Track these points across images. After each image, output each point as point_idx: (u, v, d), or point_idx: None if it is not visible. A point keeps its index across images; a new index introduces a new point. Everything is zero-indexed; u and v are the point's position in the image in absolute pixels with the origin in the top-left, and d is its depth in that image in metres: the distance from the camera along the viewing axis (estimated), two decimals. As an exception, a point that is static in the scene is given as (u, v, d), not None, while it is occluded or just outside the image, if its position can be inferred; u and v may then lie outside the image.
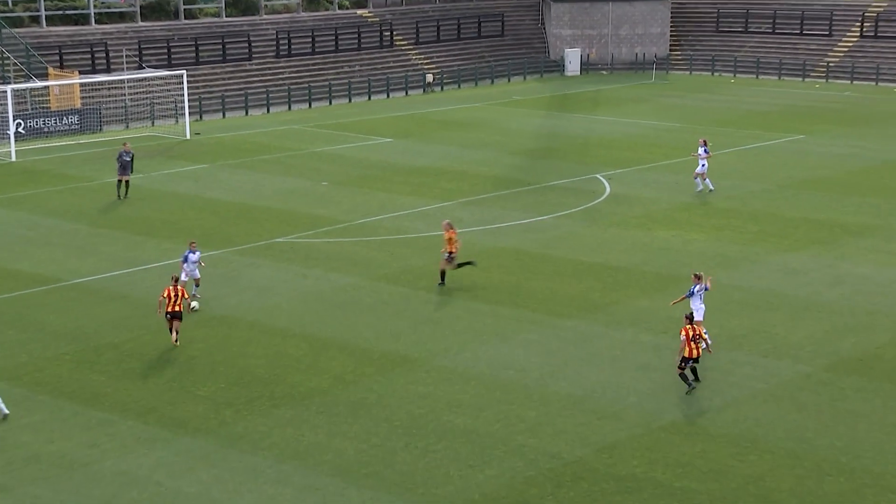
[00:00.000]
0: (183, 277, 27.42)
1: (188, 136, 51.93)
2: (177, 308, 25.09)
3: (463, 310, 28.19)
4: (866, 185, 42.27)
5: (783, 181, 43.16)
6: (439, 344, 25.81)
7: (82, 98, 55.54)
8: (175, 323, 25.13)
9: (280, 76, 65.65)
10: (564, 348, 25.69)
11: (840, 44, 75.18)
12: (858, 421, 21.73)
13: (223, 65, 64.42)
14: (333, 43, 69.44)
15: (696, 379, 23.20)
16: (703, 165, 40.48)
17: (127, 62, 59.70)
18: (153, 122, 56.10)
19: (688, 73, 76.13)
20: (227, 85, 62.95)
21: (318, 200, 39.76)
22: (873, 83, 70.55)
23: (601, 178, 43.61)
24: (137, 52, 60.96)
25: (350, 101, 64.51)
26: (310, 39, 68.60)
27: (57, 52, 58.24)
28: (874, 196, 40.51)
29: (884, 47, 73.76)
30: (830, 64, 72.97)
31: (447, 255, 29.66)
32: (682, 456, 20.32)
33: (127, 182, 39.71)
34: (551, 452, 20.48)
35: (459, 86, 70.38)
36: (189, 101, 53.93)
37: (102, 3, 64.88)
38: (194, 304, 27.47)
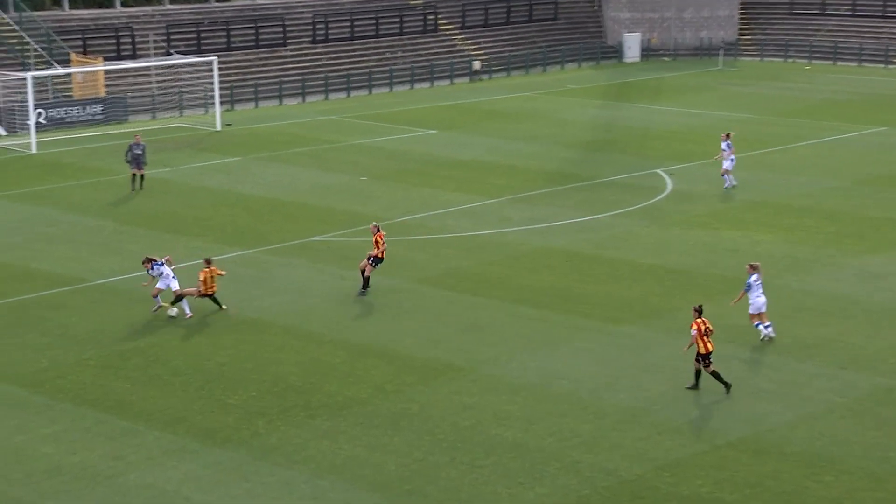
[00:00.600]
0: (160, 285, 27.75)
1: (219, 127, 52.42)
2: (210, 292, 27.49)
3: (511, 315, 28.21)
4: (954, 182, 41.70)
5: (862, 177, 42.68)
6: (486, 352, 25.85)
7: (107, 86, 56.24)
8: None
9: (317, 63, 66.04)
10: (621, 357, 25.62)
11: (925, 27, 74.19)
12: (944, 440, 21.47)
13: (256, 51, 64.95)
14: (374, 28, 69.73)
15: (696, 385, 23.44)
16: (731, 160, 40.50)
17: (154, 48, 60.38)
18: (182, 112, 56.69)
19: (758, 59, 75.50)
20: (261, 72, 63.45)
21: (356, 196, 39.98)
22: (962, 70, 69.55)
23: (662, 174, 43.41)
24: (165, 38, 61.62)
25: (391, 89, 64.75)
26: (349, 24, 68.94)
27: (80, 36, 59.05)
28: (962, 194, 39.94)
29: (974, 31, 72.67)
30: (915, 49, 72.05)
31: (372, 258, 29.35)
32: (751, 476, 20.19)
33: (142, 175, 40.27)
34: (608, 469, 20.45)
35: (509, 73, 70.37)
36: (220, 89, 54.43)
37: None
38: (172, 310, 27.67)
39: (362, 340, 26.49)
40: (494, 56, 71.73)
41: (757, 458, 20.82)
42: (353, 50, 68.28)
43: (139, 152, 40.10)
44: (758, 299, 26.01)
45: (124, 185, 41.07)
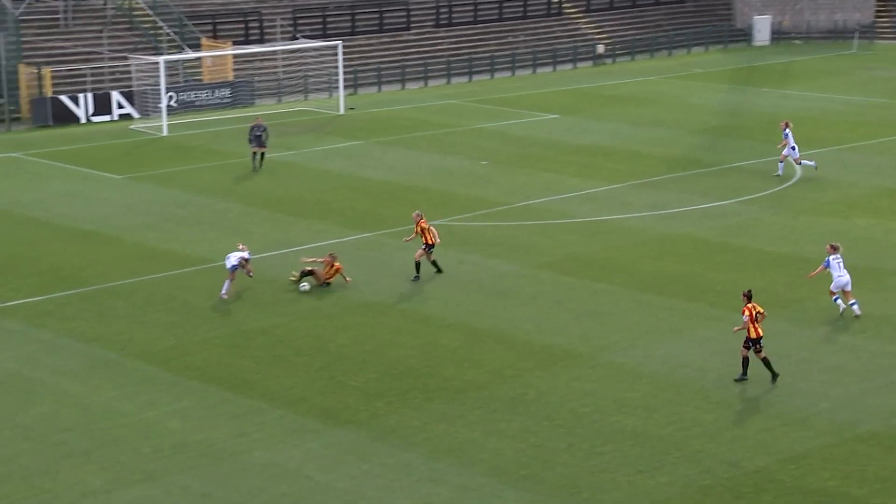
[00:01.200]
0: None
1: (342, 111, 53.05)
2: (328, 279, 28.31)
3: (633, 302, 27.91)
4: None
5: None
6: (606, 338, 25.63)
7: (235, 70, 57.42)
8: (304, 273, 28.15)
9: (439, 47, 66.25)
10: (746, 347, 25.10)
11: None
12: None
13: (379, 35, 65.48)
14: (497, 11, 69.58)
15: (744, 375, 22.97)
16: (793, 149, 39.12)
17: (281, 32, 61.39)
18: (306, 96, 57.53)
19: None
20: (384, 56, 63.95)
21: (477, 181, 40.01)
22: None
23: (792, 160, 42.33)
24: (292, 22, 62.60)
25: (513, 73, 64.57)
26: (472, 8, 68.92)
27: (210, 21, 60.39)
28: None
29: None
30: None
31: (425, 246, 29.21)
32: (882, 470, 19.60)
33: (262, 154, 41.54)
34: (730, 460, 20.09)
35: (633, 57, 69.47)
36: (344, 73, 55.07)
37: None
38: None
39: (481, 325, 26.53)
40: (619, 40, 70.89)
41: (889, 452, 20.21)
42: (476, 34, 68.25)
43: (259, 133, 41.51)
44: (840, 278, 26.30)
45: (250, 167, 41.91)
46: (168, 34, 57.16)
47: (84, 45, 55.78)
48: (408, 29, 66.52)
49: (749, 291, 23.45)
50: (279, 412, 22.13)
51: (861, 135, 46.40)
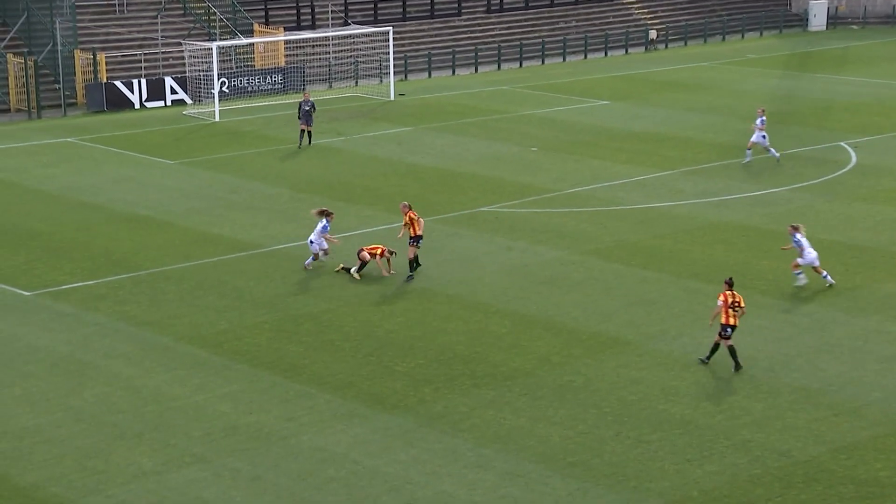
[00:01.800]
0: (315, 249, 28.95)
1: (392, 97, 53.13)
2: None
3: (681, 290, 27.73)
4: None
5: None
6: (654, 326, 25.50)
7: (286, 56, 57.70)
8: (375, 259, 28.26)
9: (490, 33, 66.08)
10: (798, 336, 24.88)
11: None
12: None
13: (430, 21, 65.42)
14: (548, -4, 69.22)
15: (735, 363, 22.97)
16: (764, 137, 38.63)
17: (332, 19, 61.56)
18: (357, 82, 57.67)
19: (953, 26, 71.70)
20: (434, 42, 63.92)
21: (526, 167, 39.92)
22: None
23: (846, 147, 41.81)
24: (343, 8, 62.73)
25: (564, 59, 64.25)
26: (522, -7, 68.63)
27: (262, 7, 60.69)
28: None
29: None
30: None
31: (412, 239, 28.26)
32: (932, 463, 19.36)
33: (309, 133, 42.85)
34: (780, 450, 19.94)
35: (686, 43, 68.82)
36: (394, 59, 55.12)
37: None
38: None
39: (529, 311, 26.51)
40: (671, 25, 70.24)
41: (941, 445, 19.94)
42: (527, 19, 67.99)
43: (308, 108, 42.85)
44: (808, 254, 27.26)
45: (300, 154, 42.15)
46: (221, 20, 57.54)
47: (138, 31, 56.35)
48: (459, 14, 66.40)
49: (730, 279, 23.42)
50: (327, 397, 22.30)
51: (918, 121, 45.70)
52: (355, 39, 59.01)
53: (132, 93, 51.55)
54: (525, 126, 46.66)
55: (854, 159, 39.70)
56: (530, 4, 68.55)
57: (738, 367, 23.06)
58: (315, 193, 36.95)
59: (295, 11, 61.61)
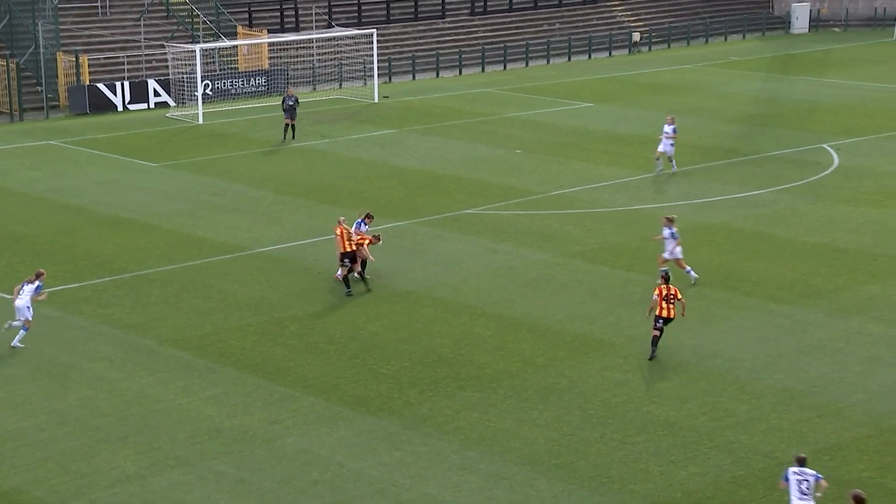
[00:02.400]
0: None
1: (376, 100, 53.12)
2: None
3: (667, 292, 27.78)
4: None
5: None
6: (638, 328, 25.57)
7: (270, 58, 57.62)
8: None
9: (474, 35, 66.13)
10: (781, 337, 24.99)
11: None
12: None
13: (414, 23, 65.43)
14: (532, -1, 69.36)
15: (652, 352, 23.58)
16: (671, 145, 38.24)
17: (316, 21, 61.51)
18: (341, 84, 57.63)
19: (935, 29, 72.12)
20: (418, 45, 63.92)
21: (510, 170, 39.97)
22: None
23: (829, 149, 42.00)
24: (327, 10, 62.69)
25: (548, 62, 64.35)
26: (506, -5, 68.73)
27: (246, 10, 60.60)
28: None
29: None
30: None
31: (341, 256, 27.48)
32: (915, 463, 19.47)
33: (293, 127, 44.05)
34: (764, 451, 20.02)
35: (669, 45, 69.05)
36: (378, 61, 55.10)
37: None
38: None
39: (513, 314, 26.54)
40: (655, 27, 70.46)
41: (923, 446, 20.05)
42: (511, 22, 68.06)
43: (291, 103, 44.05)
44: (673, 248, 27.84)
45: (285, 155, 42.11)
46: (204, 22, 57.43)
47: (121, 34, 56.19)
48: (443, 17, 66.44)
49: (666, 273, 24.10)
50: (312, 399, 22.28)
51: (900, 124, 45.93)
52: (339, 42, 58.98)
53: (115, 95, 51.38)
54: (509, 128, 46.72)
55: (837, 161, 39.90)
56: (514, 7, 68.64)
57: (653, 356, 23.63)
58: (299, 196, 36.92)
59: (279, 13, 61.54)
